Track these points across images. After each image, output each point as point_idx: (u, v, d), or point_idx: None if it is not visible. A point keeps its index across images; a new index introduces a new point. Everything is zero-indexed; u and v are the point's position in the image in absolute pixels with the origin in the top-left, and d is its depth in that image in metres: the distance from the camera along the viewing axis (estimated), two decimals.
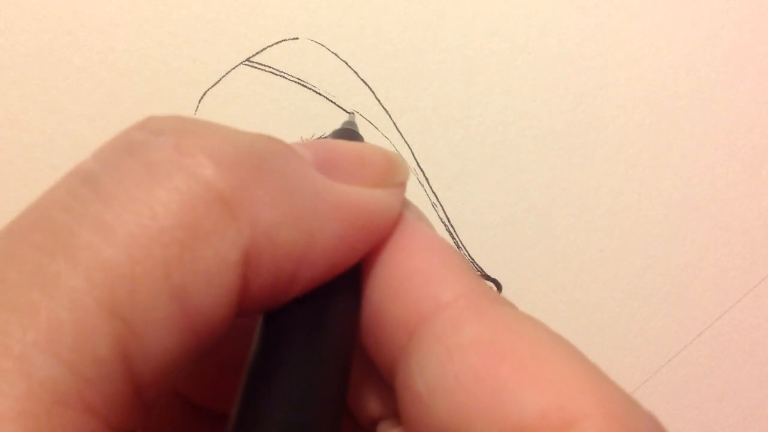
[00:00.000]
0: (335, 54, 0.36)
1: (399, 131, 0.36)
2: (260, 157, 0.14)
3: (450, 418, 0.13)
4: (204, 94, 0.36)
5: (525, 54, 0.36)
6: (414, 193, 0.36)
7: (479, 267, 0.36)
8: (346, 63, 0.36)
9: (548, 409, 0.12)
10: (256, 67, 0.36)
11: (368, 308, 0.15)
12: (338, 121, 0.36)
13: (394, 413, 0.16)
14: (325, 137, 0.24)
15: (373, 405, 0.17)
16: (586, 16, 0.36)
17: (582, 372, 0.13)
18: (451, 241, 0.36)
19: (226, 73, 0.36)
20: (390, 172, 0.16)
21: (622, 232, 0.36)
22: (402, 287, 0.15)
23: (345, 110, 0.36)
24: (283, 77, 0.36)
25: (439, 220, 0.36)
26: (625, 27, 0.36)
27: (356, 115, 0.35)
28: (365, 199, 0.15)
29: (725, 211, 0.36)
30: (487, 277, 0.36)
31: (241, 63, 0.36)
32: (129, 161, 0.13)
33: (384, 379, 0.15)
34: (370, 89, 0.36)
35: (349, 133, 0.23)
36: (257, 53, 0.36)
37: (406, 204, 0.17)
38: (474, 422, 0.12)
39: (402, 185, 0.17)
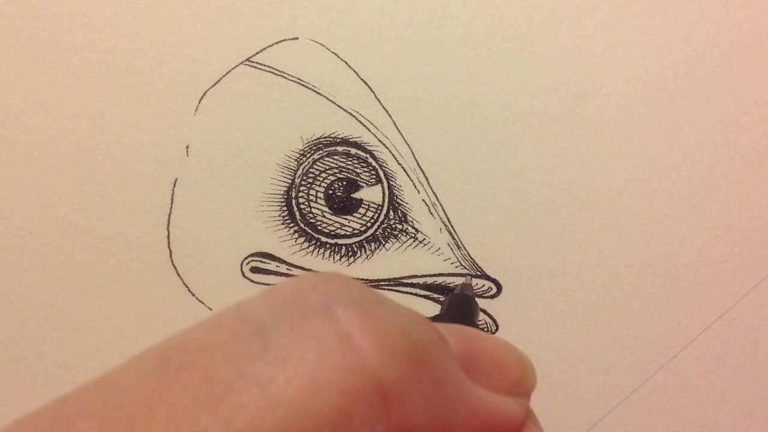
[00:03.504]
0: (335, 54, 0.36)
1: (399, 131, 0.36)
2: (422, 350, 0.14)
3: None
4: (204, 94, 0.36)
5: (525, 54, 0.36)
6: (414, 193, 0.36)
7: (479, 267, 0.36)
8: (347, 63, 0.36)
9: None
10: (256, 67, 0.36)
11: None
12: (338, 121, 0.36)
13: None
14: (447, 307, 0.25)
15: None
16: (586, 16, 0.36)
17: None
18: (451, 241, 0.36)
19: (226, 73, 0.36)
20: (523, 381, 0.17)
21: (622, 232, 0.36)
22: None
23: (346, 110, 0.36)
24: (283, 77, 0.36)
25: (440, 220, 0.36)
26: (625, 27, 0.36)
27: (471, 279, 0.35)
28: (500, 409, 0.15)
29: (725, 211, 0.36)
30: (487, 277, 0.36)
31: (241, 63, 0.36)
32: (302, 327, 0.13)
33: None
34: (371, 89, 0.36)
35: (466, 300, 0.24)
36: (257, 53, 0.36)
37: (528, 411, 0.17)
38: None
39: (530, 393, 0.17)
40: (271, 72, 0.36)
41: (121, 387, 0.12)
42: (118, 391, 0.12)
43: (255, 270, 0.35)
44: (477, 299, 0.34)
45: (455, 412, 0.14)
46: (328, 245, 0.36)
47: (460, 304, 0.23)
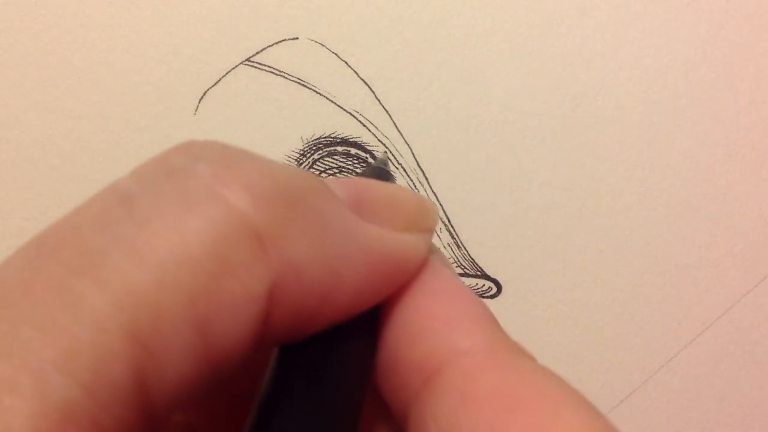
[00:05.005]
0: (335, 54, 0.36)
1: (399, 131, 0.36)
2: (297, 193, 0.14)
3: None
4: (204, 94, 0.36)
5: (525, 54, 0.36)
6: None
7: (479, 267, 0.36)
8: (347, 63, 0.36)
9: None
10: (256, 67, 0.36)
11: (385, 350, 0.15)
12: (338, 121, 0.36)
13: None
14: (357, 175, 0.24)
15: None
16: (586, 16, 0.36)
17: (598, 430, 0.13)
18: (451, 241, 0.36)
19: (226, 73, 0.36)
20: (420, 217, 0.16)
21: (622, 232, 0.36)
22: (421, 332, 0.15)
23: (346, 110, 0.36)
24: (283, 77, 0.36)
25: (439, 219, 0.36)
26: (625, 27, 0.36)
27: (388, 153, 0.35)
28: (395, 243, 0.15)
29: (725, 211, 0.36)
30: (487, 277, 0.36)
31: (241, 63, 0.36)
32: (166, 186, 0.13)
33: (396, 422, 0.15)
34: (371, 89, 0.36)
35: (380, 172, 0.23)
36: (257, 53, 0.36)
37: (432, 249, 0.17)
38: None
39: (430, 231, 0.17)
40: (271, 72, 0.36)
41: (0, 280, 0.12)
42: None
43: None
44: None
45: (343, 248, 0.14)
46: None
47: (372, 176, 0.23)
